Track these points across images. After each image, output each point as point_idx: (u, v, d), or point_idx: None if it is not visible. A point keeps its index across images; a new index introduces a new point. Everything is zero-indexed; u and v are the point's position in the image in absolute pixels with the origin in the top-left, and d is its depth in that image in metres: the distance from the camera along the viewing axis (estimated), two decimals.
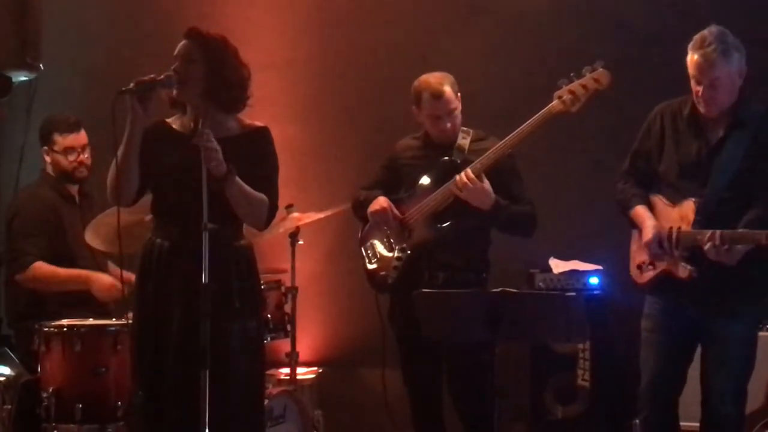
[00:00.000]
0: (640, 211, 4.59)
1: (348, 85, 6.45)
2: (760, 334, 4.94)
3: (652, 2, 6.07)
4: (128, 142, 4.08)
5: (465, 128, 4.95)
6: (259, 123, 4.29)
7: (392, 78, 6.06)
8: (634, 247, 4.68)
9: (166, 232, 4.18)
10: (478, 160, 4.75)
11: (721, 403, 4.47)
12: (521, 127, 4.73)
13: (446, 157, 4.90)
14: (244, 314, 4.15)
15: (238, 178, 4.04)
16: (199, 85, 4.13)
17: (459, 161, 4.85)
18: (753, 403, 4.95)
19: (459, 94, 4.89)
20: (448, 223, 4.82)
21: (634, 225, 4.64)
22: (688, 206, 4.45)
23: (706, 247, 4.31)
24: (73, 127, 5.39)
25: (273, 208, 4.24)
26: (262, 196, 4.16)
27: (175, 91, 4.12)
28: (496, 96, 6.05)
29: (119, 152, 4.08)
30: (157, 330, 4.11)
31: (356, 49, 6.45)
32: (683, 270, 4.43)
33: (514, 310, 4.13)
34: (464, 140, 4.92)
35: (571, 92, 4.67)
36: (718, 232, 4.30)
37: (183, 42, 4.18)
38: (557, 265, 5.86)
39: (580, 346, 5.59)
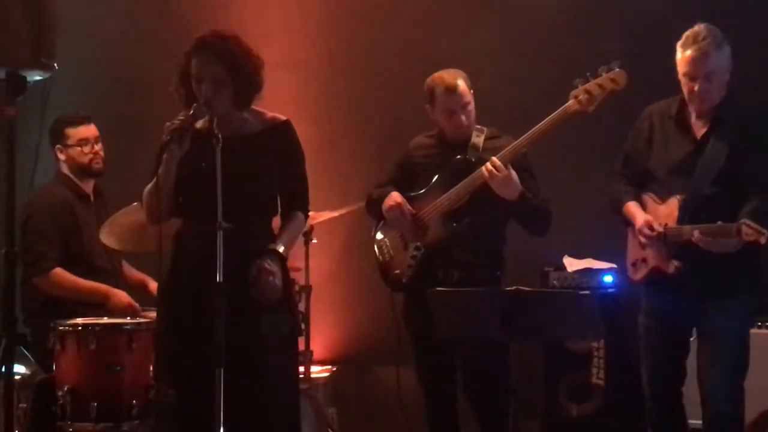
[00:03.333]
0: (631, 206, 4.70)
1: (361, 84, 6.45)
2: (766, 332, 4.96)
3: None
4: (166, 176, 4.11)
5: (479, 126, 4.95)
6: (280, 116, 4.31)
7: (405, 77, 6.06)
8: (629, 244, 4.77)
9: (192, 231, 4.20)
10: (502, 153, 4.74)
11: (716, 399, 4.51)
12: (537, 126, 4.73)
13: (459, 156, 4.90)
14: (277, 308, 4.17)
15: (286, 247, 4.19)
16: (230, 98, 4.16)
17: (473, 160, 4.86)
18: (762, 405, 4.94)
19: (472, 90, 4.89)
20: (463, 221, 4.82)
21: (628, 223, 4.73)
22: (673, 203, 4.55)
23: (695, 238, 4.37)
24: (83, 120, 5.44)
25: (308, 208, 4.35)
26: (298, 220, 4.28)
27: (208, 116, 4.13)
28: (508, 94, 6.04)
29: (158, 181, 4.11)
30: (187, 327, 4.13)
31: (369, 48, 6.46)
32: (670, 266, 4.52)
33: (529, 308, 4.14)
34: (478, 138, 4.92)
35: (588, 92, 4.67)
36: (697, 228, 4.39)
37: (200, 60, 4.13)
38: (571, 264, 5.85)
39: (595, 344, 5.58)
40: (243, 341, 3.98)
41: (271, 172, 4.21)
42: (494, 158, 4.71)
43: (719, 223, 4.39)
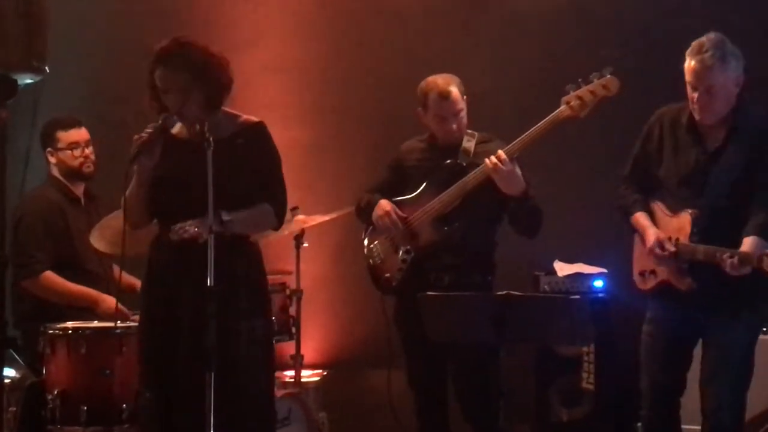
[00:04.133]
0: (641, 218, 4.61)
1: (354, 87, 6.45)
2: (763, 337, 4.94)
3: (658, 4, 6.08)
4: (139, 183, 4.13)
5: (470, 131, 4.96)
6: (253, 118, 4.30)
7: (398, 80, 6.06)
8: (636, 253, 4.70)
9: (168, 235, 4.17)
10: (508, 147, 4.72)
11: (719, 410, 4.46)
12: (528, 132, 4.72)
13: (450, 160, 4.90)
14: (251, 313, 4.18)
15: (233, 219, 4.05)
16: (200, 102, 4.15)
17: (464, 164, 4.86)
18: (756, 407, 4.94)
19: (465, 96, 4.90)
20: (454, 225, 4.82)
21: (635, 230, 4.66)
22: (685, 218, 4.46)
23: (727, 265, 4.28)
24: (74, 123, 5.43)
25: (282, 206, 4.29)
26: (263, 209, 4.20)
27: (179, 124, 4.12)
28: (500, 98, 6.05)
29: (131, 190, 4.13)
30: (165, 331, 4.13)
31: (362, 52, 6.46)
32: (682, 282, 4.46)
33: (519, 312, 4.14)
34: (469, 143, 4.92)
35: (580, 98, 4.66)
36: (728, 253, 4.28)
37: (163, 70, 4.12)
38: (562, 268, 5.86)
39: (585, 348, 5.59)
40: (218, 346, 3.95)
41: (247, 174, 4.19)
42: (500, 151, 4.71)
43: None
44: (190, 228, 3.96)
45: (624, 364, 5.45)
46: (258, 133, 4.27)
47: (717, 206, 4.42)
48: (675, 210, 4.53)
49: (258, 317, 4.22)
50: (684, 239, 4.45)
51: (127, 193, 4.17)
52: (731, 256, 4.27)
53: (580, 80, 4.68)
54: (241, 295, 4.16)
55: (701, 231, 4.41)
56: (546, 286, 5.82)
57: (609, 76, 4.64)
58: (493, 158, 4.68)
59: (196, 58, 4.13)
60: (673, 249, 4.44)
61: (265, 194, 4.23)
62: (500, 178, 4.69)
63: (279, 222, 4.32)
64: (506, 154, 4.69)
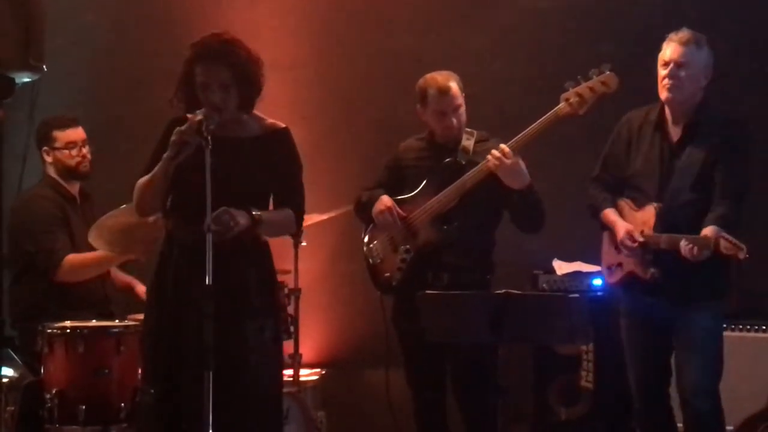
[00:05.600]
0: (610, 213, 4.76)
1: (351, 86, 6.44)
2: (759, 335, 4.99)
3: (655, 1, 6.07)
4: (165, 174, 4.10)
5: (469, 129, 4.95)
6: (279, 123, 4.31)
7: (395, 79, 6.06)
8: (604, 247, 4.84)
9: (183, 231, 4.18)
10: (511, 142, 4.71)
11: (696, 398, 4.55)
12: (528, 129, 4.72)
13: (449, 159, 4.89)
14: (261, 312, 4.18)
15: (263, 218, 4.10)
16: (236, 101, 4.15)
17: (463, 162, 4.85)
18: (755, 406, 4.95)
19: (464, 93, 4.89)
20: (453, 224, 4.81)
21: (605, 227, 4.80)
22: (649, 211, 4.59)
23: (683, 249, 4.39)
24: (71, 123, 5.41)
25: (302, 213, 4.33)
26: (286, 213, 4.23)
27: (217, 121, 4.08)
28: (498, 97, 6.05)
29: (154, 179, 4.11)
30: (173, 329, 4.12)
31: (358, 51, 6.45)
32: (646, 272, 4.57)
33: (518, 311, 4.15)
34: (468, 141, 4.92)
35: (579, 95, 4.67)
36: (678, 237, 4.41)
37: (208, 66, 4.10)
38: (561, 267, 5.85)
39: (584, 347, 5.58)
40: (225, 345, 3.96)
41: (266, 176, 4.20)
42: (503, 145, 4.70)
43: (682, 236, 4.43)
44: (233, 222, 3.97)
45: (623, 362, 5.44)
46: (284, 138, 4.29)
47: (680, 199, 4.56)
48: (641, 204, 4.66)
49: (268, 316, 4.22)
50: (648, 231, 4.56)
51: (146, 179, 4.15)
52: (688, 243, 4.37)
53: (579, 77, 4.68)
54: (251, 293, 4.17)
55: (665, 223, 4.54)
56: (545, 285, 5.81)
57: (608, 72, 4.65)
58: (495, 152, 4.68)
59: (240, 56, 4.13)
60: (641, 239, 4.56)
61: (287, 200, 4.27)
62: (504, 173, 4.69)
63: (297, 228, 4.38)
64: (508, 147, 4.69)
